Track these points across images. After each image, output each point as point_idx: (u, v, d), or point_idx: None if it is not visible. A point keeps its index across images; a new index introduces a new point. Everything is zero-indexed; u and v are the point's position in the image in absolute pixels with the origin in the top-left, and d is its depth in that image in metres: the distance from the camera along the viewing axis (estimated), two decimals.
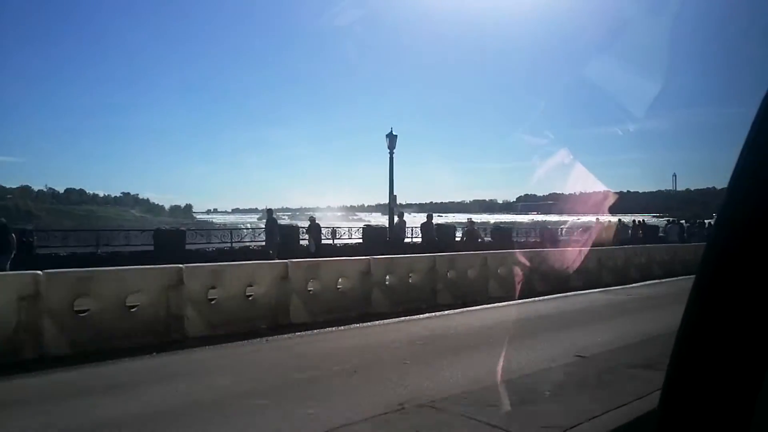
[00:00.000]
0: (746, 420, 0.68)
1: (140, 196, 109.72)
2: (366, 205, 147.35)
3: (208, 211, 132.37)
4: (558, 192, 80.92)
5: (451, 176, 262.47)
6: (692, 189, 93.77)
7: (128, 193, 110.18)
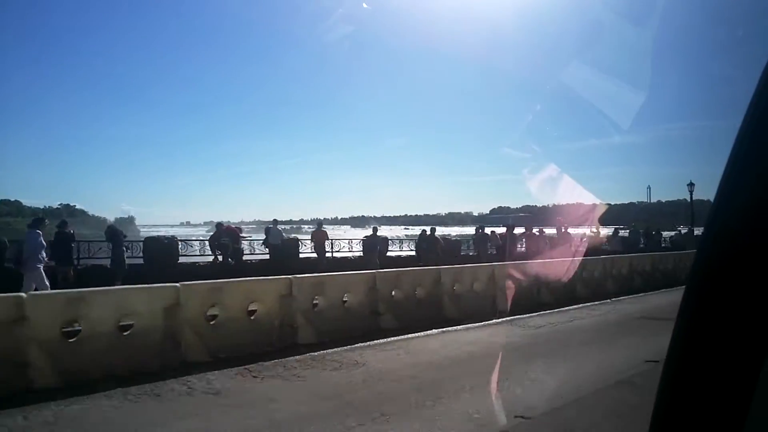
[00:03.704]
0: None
1: (77, 207, 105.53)
2: (339, 218, 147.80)
3: (182, 224, 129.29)
4: (531, 204, 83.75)
5: (426, 190, 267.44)
6: (663, 201, 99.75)
7: (68, 205, 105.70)
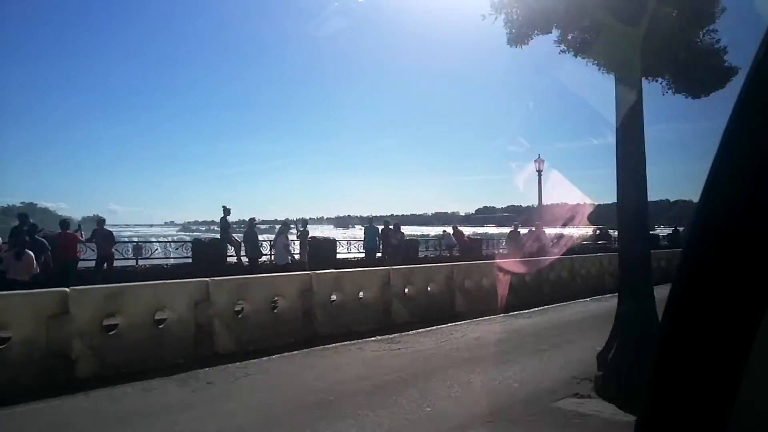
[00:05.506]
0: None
1: (39, 206, 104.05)
2: (324, 218, 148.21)
3: (166, 224, 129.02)
4: (516, 204, 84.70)
5: (413, 190, 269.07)
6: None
7: (30, 203, 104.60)
